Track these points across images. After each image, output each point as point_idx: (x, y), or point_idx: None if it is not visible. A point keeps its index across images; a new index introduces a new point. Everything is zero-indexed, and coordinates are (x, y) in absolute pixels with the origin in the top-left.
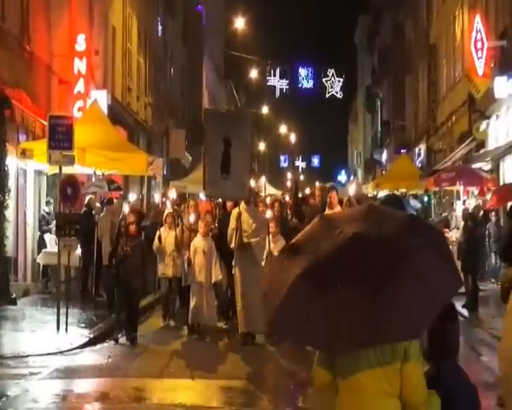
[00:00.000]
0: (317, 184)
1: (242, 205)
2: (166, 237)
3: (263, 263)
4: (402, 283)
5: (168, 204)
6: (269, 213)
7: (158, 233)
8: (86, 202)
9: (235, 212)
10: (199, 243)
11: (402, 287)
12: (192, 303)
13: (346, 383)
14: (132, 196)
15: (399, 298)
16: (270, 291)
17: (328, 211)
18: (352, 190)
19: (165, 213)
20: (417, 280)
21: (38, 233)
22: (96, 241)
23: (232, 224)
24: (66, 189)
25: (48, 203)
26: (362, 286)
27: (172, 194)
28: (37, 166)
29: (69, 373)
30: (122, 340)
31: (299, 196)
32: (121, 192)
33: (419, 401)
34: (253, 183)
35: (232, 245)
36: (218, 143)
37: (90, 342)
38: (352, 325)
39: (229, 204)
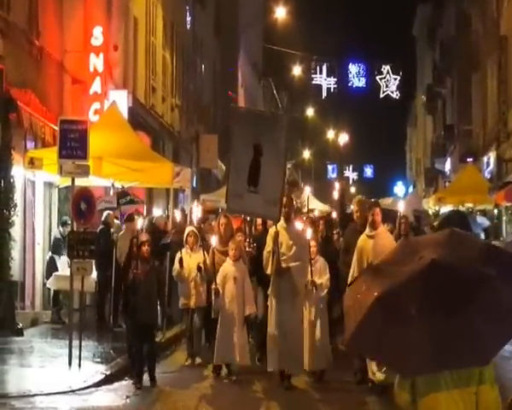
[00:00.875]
0: (356, 198)
1: (281, 223)
2: (188, 260)
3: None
4: (476, 310)
5: (193, 219)
6: (309, 232)
7: (179, 255)
8: (103, 218)
9: (272, 231)
10: (229, 268)
11: (476, 314)
12: (218, 339)
13: (423, 405)
14: (157, 213)
15: (473, 325)
16: (349, 310)
17: (369, 231)
18: (407, 205)
19: (186, 232)
20: (491, 308)
21: (49, 254)
22: (114, 263)
23: (268, 245)
24: (80, 204)
25: (64, 224)
26: (438, 312)
27: (197, 208)
28: (47, 178)
29: None
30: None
31: (348, 211)
32: (137, 207)
33: None
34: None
35: (268, 271)
36: (246, 149)
37: (107, 380)
38: (427, 349)
39: (269, 222)
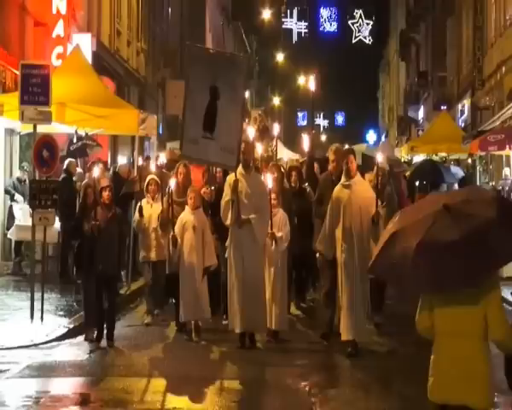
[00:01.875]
0: (333, 146)
1: (239, 170)
2: (149, 210)
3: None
4: (470, 243)
5: (152, 167)
6: (269, 181)
7: (139, 205)
8: (65, 166)
9: (230, 179)
10: (188, 217)
11: (469, 247)
12: (182, 295)
13: (437, 323)
14: (122, 161)
15: (468, 255)
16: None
17: (344, 180)
18: (381, 153)
19: (146, 180)
20: (484, 243)
21: (9, 203)
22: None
23: (227, 194)
24: (42, 151)
25: (22, 169)
26: (439, 244)
27: (162, 157)
28: (8, 124)
29: (44, 371)
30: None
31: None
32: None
33: (504, 336)
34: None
35: (227, 222)
36: (202, 92)
37: (70, 334)
38: (427, 273)
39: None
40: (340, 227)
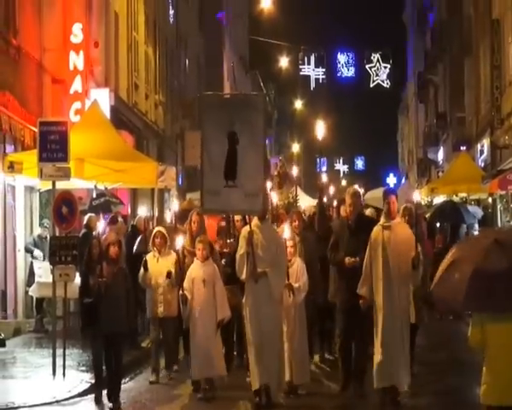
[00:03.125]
0: (350, 189)
1: (255, 222)
2: (154, 264)
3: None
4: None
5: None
6: (286, 231)
7: (144, 259)
8: (85, 222)
9: (245, 231)
10: (197, 270)
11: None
12: (192, 352)
13: (489, 338)
14: (142, 213)
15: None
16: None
17: (384, 221)
18: (401, 197)
19: (152, 233)
20: None
21: (30, 260)
22: None
23: (241, 247)
24: (61, 207)
25: (42, 226)
26: (489, 271)
27: (175, 206)
28: (27, 182)
29: None
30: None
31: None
32: (118, 209)
33: None
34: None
35: (243, 276)
36: (219, 139)
37: (92, 390)
38: (479, 293)
39: (237, 218)
40: (378, 270)
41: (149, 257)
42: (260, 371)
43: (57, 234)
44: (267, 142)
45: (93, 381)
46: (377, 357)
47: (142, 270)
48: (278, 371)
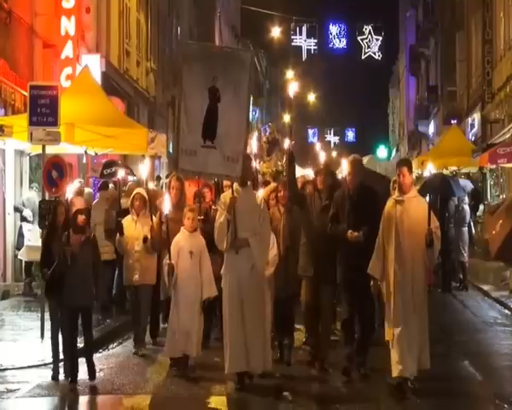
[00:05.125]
0: (350, 157)
1: (235, 187)
2: (132, 229)
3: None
4: None
5: (129, 179)
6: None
7: (120, 222)
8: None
9: (225, 197)
10: (183, 241)
11: None
12: (170, 327)
13: None
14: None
15: None
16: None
17: (397, 195)
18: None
19: (132, 194)
20: None
21: (19, 223)
22: None
23: (221, 215)
24: (51, 171)
25: (32, 189)
26: None
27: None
28: (17, 146)
29: (53, 390)
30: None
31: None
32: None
33: None
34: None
35: (223, 246)
36: (199, 94)
37: (80, 353)
38: None
39: (226, 183)
40: (391, 248)
41: (127, 221)
42: (242, 356)
43: (47, 198)
44: (257, 112)
45: (81, 345)
46: (394, 349)
47: (117, 234)
48: (263, 349)
